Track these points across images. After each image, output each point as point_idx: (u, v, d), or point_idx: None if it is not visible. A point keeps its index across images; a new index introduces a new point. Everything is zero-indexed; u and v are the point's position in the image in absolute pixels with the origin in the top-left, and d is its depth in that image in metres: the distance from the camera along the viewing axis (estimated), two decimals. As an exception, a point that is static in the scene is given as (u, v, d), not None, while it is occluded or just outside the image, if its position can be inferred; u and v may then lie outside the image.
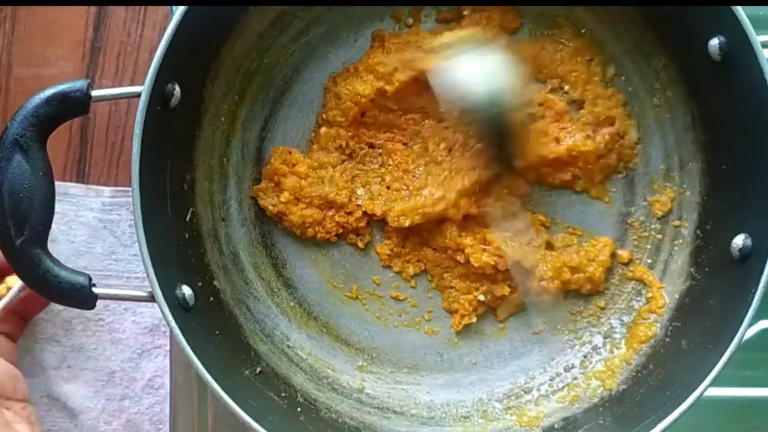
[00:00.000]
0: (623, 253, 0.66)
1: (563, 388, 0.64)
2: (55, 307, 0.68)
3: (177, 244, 0.59)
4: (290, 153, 0.65)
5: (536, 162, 0.64)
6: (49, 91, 0.52)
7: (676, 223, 0.65)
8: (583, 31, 0.65)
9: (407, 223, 0.64)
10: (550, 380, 0.65)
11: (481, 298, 0.65)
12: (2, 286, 0.67)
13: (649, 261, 0.66)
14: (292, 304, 0.67)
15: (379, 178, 0.66)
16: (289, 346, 0.65)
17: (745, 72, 0.54)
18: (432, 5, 0.67)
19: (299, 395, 0.63)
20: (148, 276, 0.53)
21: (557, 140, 0.64)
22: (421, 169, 0.65)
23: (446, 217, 0.64)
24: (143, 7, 0.72)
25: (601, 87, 0.65)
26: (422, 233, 0.65)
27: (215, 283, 0.63)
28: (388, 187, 0.66)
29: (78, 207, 0.70)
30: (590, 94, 0.65)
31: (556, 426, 0.62)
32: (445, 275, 0.66)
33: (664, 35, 0.62)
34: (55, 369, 0.69)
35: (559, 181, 0.66)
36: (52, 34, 0.71)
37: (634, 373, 0.63)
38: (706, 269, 0.61)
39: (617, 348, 0.64)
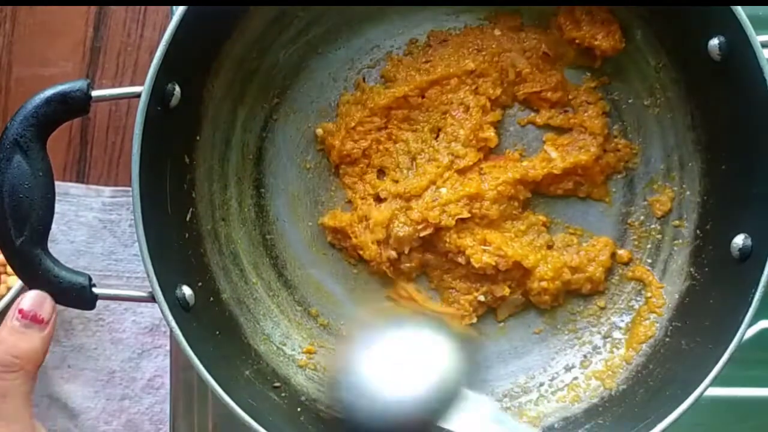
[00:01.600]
0: (623, 253, 0.66)
1: (563, 388, 0.64)
2: (55, 307, 0.68)
3: (177, 244, 0.59)
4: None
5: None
6: (49, 91, 0.52)
7: (676, 222, 0.65)
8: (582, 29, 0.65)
9: (407, 250, 0.65)
10: (550, 380, 0.65)
11: (482, 298, 0.65)
12: (2, 286, 0.67)
13: (649, 261, 0.66)
14: (292, 304, 0.67)
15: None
16: (289, 346, 0.65)
17: (745, 72, 0.54)
18: (432, 5, 0.67)
19: (299, 395, 0.63)
20: (148, 276, 0.53)
21: (550, 160, 0.65)
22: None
23: (440, 228, 0.64)
24: (143, 7, 0.72)
25: (589, 91, 0.66)
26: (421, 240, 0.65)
27: (215, 283, 0.62)
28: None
29: (78, 207, 0.70)
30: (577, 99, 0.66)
31: (556, 426, 0.62)
32: (445, 276, 0.66)
33: (664, 35, 0.62)
34: (55, 369, 0.69)
35: (562, 191, 0.66)
36: (52, 34, 0.71)
37: (634, 373, 0.63)
38: (706, 269, 0.61)
39: (617, 348, 0.64)
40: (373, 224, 0.64)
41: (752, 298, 0.53)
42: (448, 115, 0.65)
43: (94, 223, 0.70)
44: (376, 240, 0.64)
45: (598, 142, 0.65)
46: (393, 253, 0.64)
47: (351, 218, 0.65)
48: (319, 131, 0.66)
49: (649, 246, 0.66)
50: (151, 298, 0.53)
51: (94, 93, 0.53)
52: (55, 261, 0.53)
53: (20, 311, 0.53)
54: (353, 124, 0.65)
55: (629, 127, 0.66)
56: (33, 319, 0.53)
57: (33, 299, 0.53)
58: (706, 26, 0.56)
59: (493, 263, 0.63)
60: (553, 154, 0.65)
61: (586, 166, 0.64)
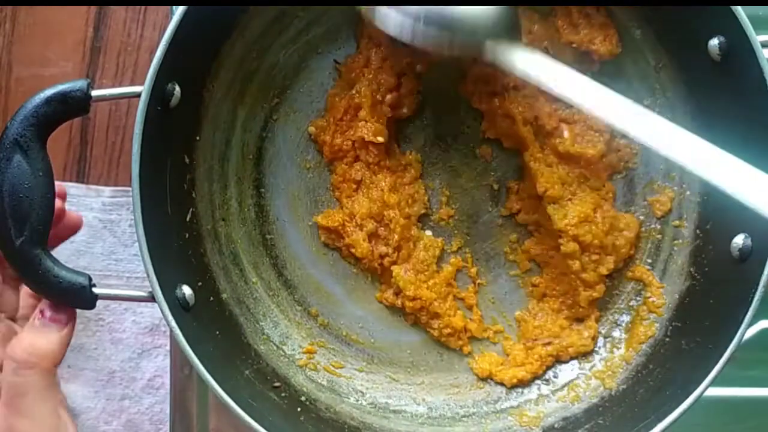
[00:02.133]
0: (623, 253, 0.66)
1: (563, 387, 0.64)
2: (55, 307, 0.68)
3: (177, 244, 0.59)
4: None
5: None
6: (49, 91, 0.52)
7: (676, 222, 0.65)
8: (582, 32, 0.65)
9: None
10: (550, 379, 0.65)
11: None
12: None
13: (649, 261, 0.66)
14: (292, 303, 0.67)
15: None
16: (289, 346, 0.65)
17: (745, 72, 0.54)
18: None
19: (299, 395, 0.63)
20: (148, 276, 0.53)
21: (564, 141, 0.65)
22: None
23: None
24: (143, 7, 0.72)
25: None
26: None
27: (215, 283, 0.63)
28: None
29: (78, 207, 0.70)
30: None
31: (556, 426, 0.62)
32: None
33: (664, 35, 0.62)
34: (55, 369, 0.69)
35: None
36: (52, 34, 0.71)
37: (634, 373, 0.63)
38: (706, 269, 0.61)
39: (617, 348, 0.64)
40: (359, 217, 0.64)
41: (752, 298, 0.53)
42: None
43: (94, 223, 0.70)
44: (367, 235, 0.64)
45: (605, 139, 0.64)
46: (384, 249, 0.64)
47: (343, 217, 0.65)
48: (312, 129, 0.66)
49: (649, 246, 0.66)
50: (151, 298, 0.53)
51: (94, 93, 0.53)
52: (55, 261, 0.53)
53: (41, 311, 0.55)
54: (339, 116, 0.65)
55: (629, 127, 0.66)
56: (52, 320, 0.54)
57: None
58: (706, 26, 0.56)
59: None
60: (566, 133, 0.64)
61: (592, 160, 0.64)
